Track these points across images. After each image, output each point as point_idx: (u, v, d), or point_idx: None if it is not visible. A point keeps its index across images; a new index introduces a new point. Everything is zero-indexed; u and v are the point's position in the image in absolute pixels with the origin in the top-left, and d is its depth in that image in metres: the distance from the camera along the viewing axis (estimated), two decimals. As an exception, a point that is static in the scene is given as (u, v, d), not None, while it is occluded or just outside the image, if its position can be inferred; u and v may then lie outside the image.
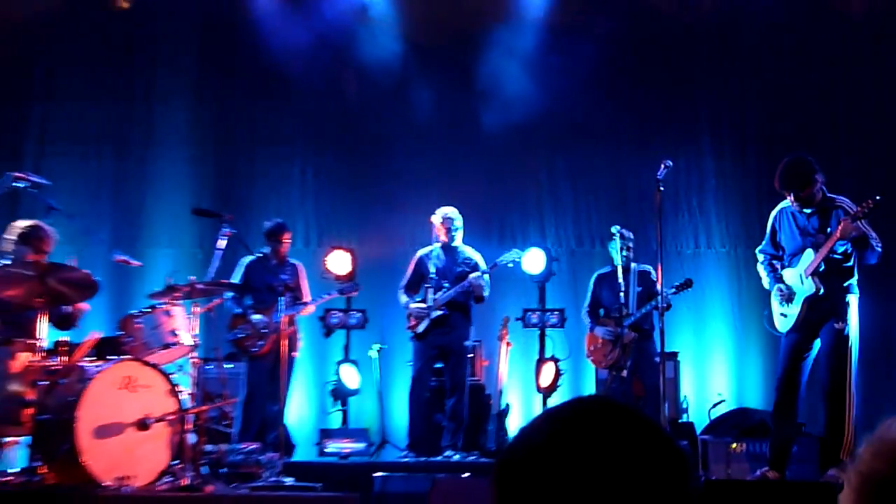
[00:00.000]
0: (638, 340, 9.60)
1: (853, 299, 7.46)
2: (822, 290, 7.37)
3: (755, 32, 11.90)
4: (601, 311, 9.97)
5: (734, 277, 11.52)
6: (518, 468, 1.56)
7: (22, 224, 8.03)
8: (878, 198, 7.18)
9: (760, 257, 7.89)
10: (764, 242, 7.88)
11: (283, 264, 9.63)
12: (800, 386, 7.56)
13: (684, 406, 10.42)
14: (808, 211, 7.52)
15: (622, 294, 9.44)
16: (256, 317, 9.45)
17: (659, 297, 8.41)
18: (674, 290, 9.47)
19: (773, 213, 7.82)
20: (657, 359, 8.94)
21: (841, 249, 7.41)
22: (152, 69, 12.02)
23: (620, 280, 9.40)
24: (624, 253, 9.62)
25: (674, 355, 10.37)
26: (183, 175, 11.89)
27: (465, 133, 11.84)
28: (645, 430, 1.56)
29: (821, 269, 7.38)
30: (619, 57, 11.84)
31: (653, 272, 9.56)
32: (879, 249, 7.41)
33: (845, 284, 7.45)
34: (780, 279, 7.65)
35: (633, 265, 9.73)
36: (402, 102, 11.76)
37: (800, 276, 7.47)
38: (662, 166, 7.99)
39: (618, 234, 9.62)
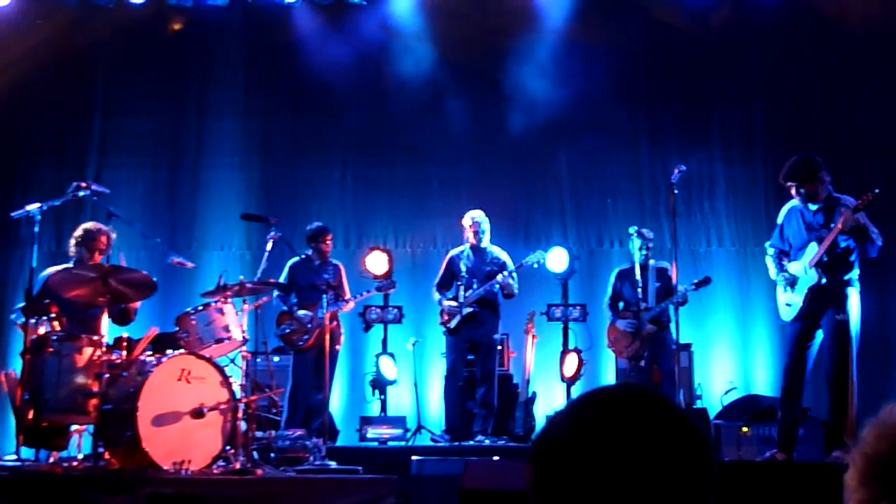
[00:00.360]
0: (656, 332, 9.57)
1: (853, 292, 7.41)
2: (824, 280, 7.34)
3: (762, 44, 11.84)
4: (621, 305, 9.94)
5: (744, 274, 11.46)
6: (553, 448, 1.56)
7: (79, 229, 8.12)
8: (876, 191, 7.23)
9: (770, 251, 7.86)
10: (773, 237, 7.87)
11: (325, 264, 9.68)
12: (805, 373, 7.53)
13: (698, 393, 10.38)
14: (814, 208, 7.51)
15: (640, 290, 9.42)
16: (301, 313, 9.52)
17: (677, 293, 8.43)
18: (693, 286, 9.41)
19: (783, 210, 7.81)
20: (674, 347, 8.97)
21: (843, 244, 7.38)
22: (203, 86, 12.11)
23: (638, 277, 9.38)
24: (643, 252, 9.58)
25: (688, 346, 10.33)
26: (232, 183, 11.96)
27: (492, 141, 11.84)
28: (672, 417, 1.56)
29: (824, 261, 7.36)
30: (635, 67, 11.82)
31: (670, 268, 9.54)
32: (880, 243, 7.38)
33: (846, 278, 7.41)
34: (784, 269, 7.63)
35: (651, 262, 9.68)
36: (434, 112, 11.76)
37: (804, 268, 7.45)
38: (676, 171, 7.99)
39: (636, 233, 9.59)
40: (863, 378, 7.41)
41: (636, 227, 9.63)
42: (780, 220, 7.83)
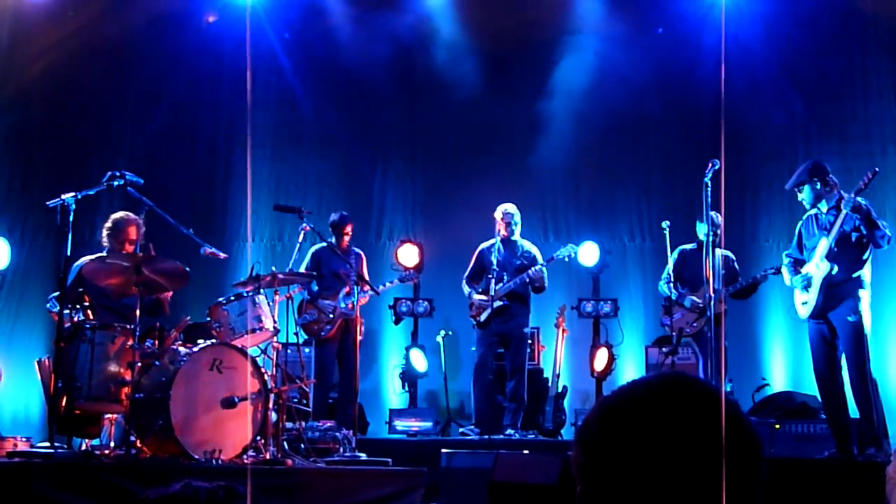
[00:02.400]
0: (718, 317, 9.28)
1: (864, 294, 7.42)
2: (835, 270, 7.35)
3: (798, 39, 11.69)
4: (678, 286, 9.62)
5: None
6: (602, 434, 1.53)
7: (109, 220, 8.13)
8: (877, 170, 7.42)
9: (786, 260, 7.95)
10: (791, 247, 7.94)
11: (347, 253, 9.63)
12: (837, 372, 7.48)
13: (730, 389, 10.28)
14: (825, 208, 7.57)
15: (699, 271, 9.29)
16: (324, 302, 9.49)
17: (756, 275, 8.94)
18: (773, 270, 9.16)
19: (801, 220, 7.85)
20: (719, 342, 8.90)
21: (855, 236, 7.40)
22: (237, 77, 12.09)
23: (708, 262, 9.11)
24: (710, 238, 9.37)
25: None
26: (264, 174, 11.96)
27: (525, 134, 11.78)
28: (721, 409, 1.51)
29: (833, 250, 7.37)
30: (670, 62, 11.69)
31: (734, 259, 9.49)
32: (889, 234, 7.39)
33: (855, 275, 7.42)
34: (798, 272, 7.66)
35: (718, 250, 9.23)
36: (467, 105, 11.73)
37: (816, 265, 7.47)
38: (710, 165, 7.91)
39: (707, 219, 9.24)
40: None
41: (668, 223, 9.48)
42: (797, 229, 7.91)
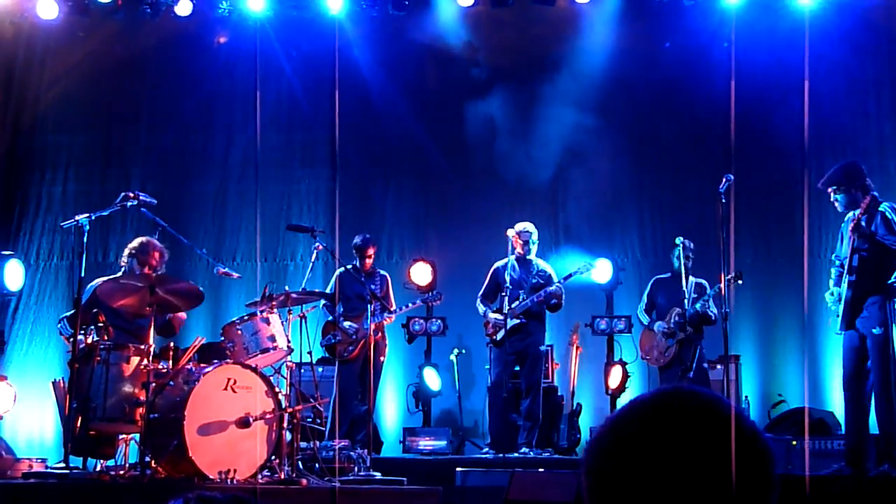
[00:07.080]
0: (692, 335, 9.52)
1: (885, 302, 7.33)
2: (849, 292, 7.26)
3: (811, 55, 11.68)
4: (654, 314, 9.94)
5: (791, 285, 11.29)
6: (607, 457, 1.54)
7: (135, 241, 8.18)
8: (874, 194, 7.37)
9: (836, 262, 7.72)
10: (837, 248, 7.73)
11: (371, 275, 9.71)
12: (866, 385, 7.41)
13: (745, 406, 10.29)
14: (852, 216, 7.42)
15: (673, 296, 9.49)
16: (347, 324, 9.55)
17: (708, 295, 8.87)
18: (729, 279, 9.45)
19: (844, 221, 7.69)
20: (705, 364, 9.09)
21: (867, 251, 7.29)
22: (248, 98, 12.16)
23: (683, 287, 9.38)
24: (682, 261, 9.60)
25: (736, 358, 10.23)
26: (276, 194, 12.02)
27: (536, 151, 11.79)
28: (730, 422, 1.52)
29: (854, 265, 7.28)
30: (680, 76, 11.70)
31: (708, 287, 9.58)
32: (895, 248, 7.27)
33: (875, 286, 7.33)
34: (836, 283, 7.54)
35: (691, 278, 9.65)
36: (477, 123, 11.76)
37: (846, 278, 7.38)
38: (724, 180, 7.92)
39: (681, 244, 9.61)
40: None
41: (682, 238, 9.61)
42: (840, 233, 7.71)
